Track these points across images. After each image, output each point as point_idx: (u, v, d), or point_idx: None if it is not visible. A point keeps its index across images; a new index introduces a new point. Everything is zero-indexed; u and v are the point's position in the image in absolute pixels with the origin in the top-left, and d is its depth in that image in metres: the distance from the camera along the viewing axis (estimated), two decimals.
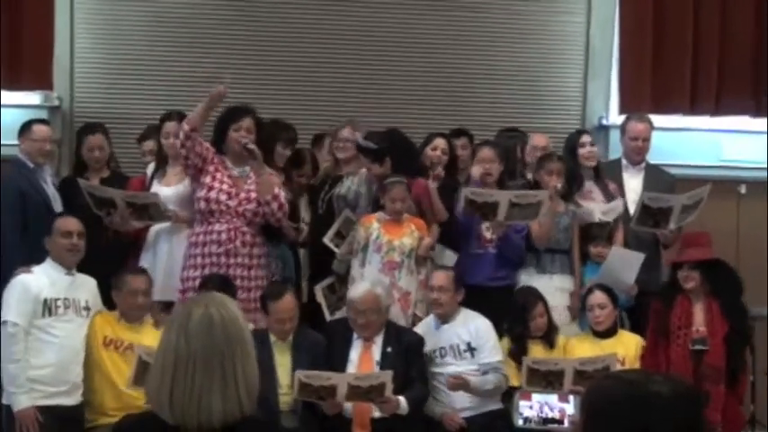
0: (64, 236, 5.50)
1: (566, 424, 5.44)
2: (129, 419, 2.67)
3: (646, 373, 2.05)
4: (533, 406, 5.50)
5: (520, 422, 5.43)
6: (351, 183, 6.39)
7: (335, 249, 6.28)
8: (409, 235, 6.07)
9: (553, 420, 5.49)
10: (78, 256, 5.56)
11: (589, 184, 6.71)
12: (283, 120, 6.85)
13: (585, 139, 6.81)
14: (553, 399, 5.49)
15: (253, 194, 5.92)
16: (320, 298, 6.31)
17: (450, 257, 6.31)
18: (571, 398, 5.44)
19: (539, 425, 5.47)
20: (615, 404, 1.96)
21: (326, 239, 6.30)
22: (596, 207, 6.57)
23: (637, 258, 6.25)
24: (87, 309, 5.54)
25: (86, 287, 5.60)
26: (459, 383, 5.59)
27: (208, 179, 5.91)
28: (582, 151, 6.72)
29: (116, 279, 5.65)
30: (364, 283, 5.80)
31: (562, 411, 5.44)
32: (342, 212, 6.34)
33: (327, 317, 6.23)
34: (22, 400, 5.25)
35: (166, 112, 6.54)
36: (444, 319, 5.87)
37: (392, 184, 6.08)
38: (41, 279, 5.42)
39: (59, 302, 5.42)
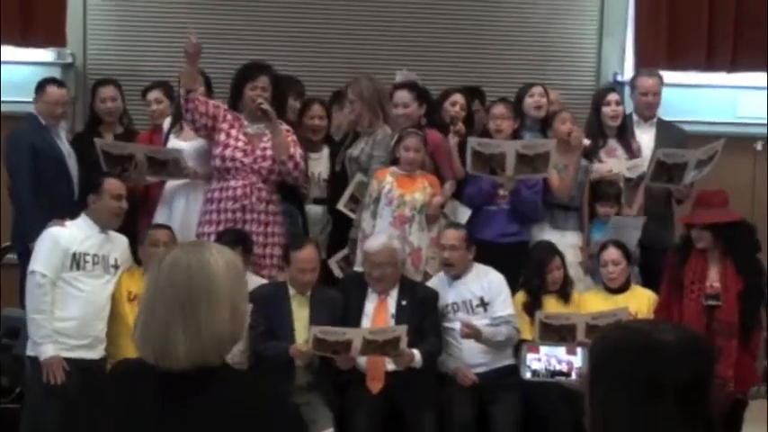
0: (115, 198, 5.57)
1: (573, 376, 5.49)
2: (122, 363, 2.75)
3: (653, 323, 2.04)
4: (541, 359, 5.50)
5: (528, 375, 5.47)
6: (365, 144, 6.37)
7: (350, 215, 6.29)
8: (422, 190, 6.09)
9: (561, 373, 5.51)
10: (120, 220, 5.67)
11: (613, 142, 6.75)
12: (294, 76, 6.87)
13: (612, 97, 6.81)
14: (561, 351, 5.52)
15: (269, 152, 5.98)
16: (337, 271, 6.34)
17: (463, 213, 6.34)
18: (579, 350, 5.48)
19: (546, 377, 5.51)
20: (622, 353, 1.96)
21: (340, 205, 6.32)
22: (621, 164, 6.62)
23: (637, 222, 6.34)
24: (116, 266, 5.62)
25: (118, 245, 5.67)
26: (471, 332, 5.65)
27: (222, 137, 5.97)
28: (606, 109, 6.73)
29: (140, 234, 5.78)
30: (381, 235, 5.85)
31: (570, 364, 5.45)
32: (354, 175, 6.34)
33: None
34: (49, 350, 5.33)
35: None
36: (457, 275, 5.93)
37: (408, 133, 6.11)
38: (74, 233, 5.48)
39: (88, 258, 5.49)
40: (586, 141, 6.41)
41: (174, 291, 2.30)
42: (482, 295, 5.86)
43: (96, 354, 5.51)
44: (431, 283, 5.97)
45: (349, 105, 6.50)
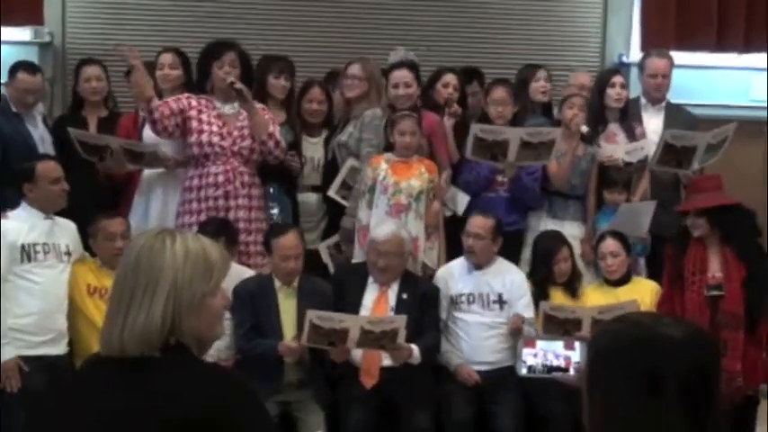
0: (52, 183, 5.49)
1: (571, 372, 5.51)
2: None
3: (655, 316, 2.05)
4: (537, 354, 5.52)
5: (523, 371, 5.48)
6: (353, 128, 6.39)
7: (343, 202, 6.31)
8: (418, 176, 6.08)
9: (558, 369, 5.54)
10: (65, 200, 5.58)
11: (614, 127, 6.77)
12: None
13: (617, 79, 6.82)
14: (558, 346, 5.54)
15: (246, 131, 5.99)
16: (326, 257, 6.36)
17: (462, 200, 6.37)
18: (577, 345, 5.50)
19: (543, 373, 5.52)
20: (623, 348, 1.96)
21: (332, 192, 6.34)
22: (619, 148, 6.63)
23: (648, 207, 6.36)
24: (68, 254, 5.55)
25: (66, 231, 5.61)
26: (519, 327, 5.66)
27: (195, 124, 5.97)
28: (610, 92, 6.74)
29: (90, 227, 5.70)
30: (389, 223, 5.83)
31: (568, 359, 5.48)
32: (344, 162, 6.35)
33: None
34: (4, 352, 5.24)
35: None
36: (478, 265, 5.93)
37: (401, 116, 6.10)
38: (18, 224, 5.41)
39: (38, 248, 5.42)
40: (584, 128, 6.41)
41: (122, 274, 2.35)
42: (501, 292, 5.87)
43: (60, 349, 5.48)
44: (448, 268, 5.99)
45: (350, 83, 6.51)
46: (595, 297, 5.97)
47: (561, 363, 5.52)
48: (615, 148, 6.63)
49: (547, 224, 6.39)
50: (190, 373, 2.31)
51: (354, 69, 6.54)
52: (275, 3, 8.22)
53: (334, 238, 6.38)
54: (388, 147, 6.19)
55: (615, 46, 8.50)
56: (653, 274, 6.31)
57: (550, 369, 5.54)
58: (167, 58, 6.40)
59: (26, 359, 5.31)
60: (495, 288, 5.87)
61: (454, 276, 5.93)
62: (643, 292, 5.95)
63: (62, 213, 5.63)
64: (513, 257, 6.16)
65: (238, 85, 5.87)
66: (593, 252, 6.26)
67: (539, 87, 6.76)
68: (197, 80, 6.19)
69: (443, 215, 6.29)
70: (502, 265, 5.98)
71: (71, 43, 8.06)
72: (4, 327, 5.25)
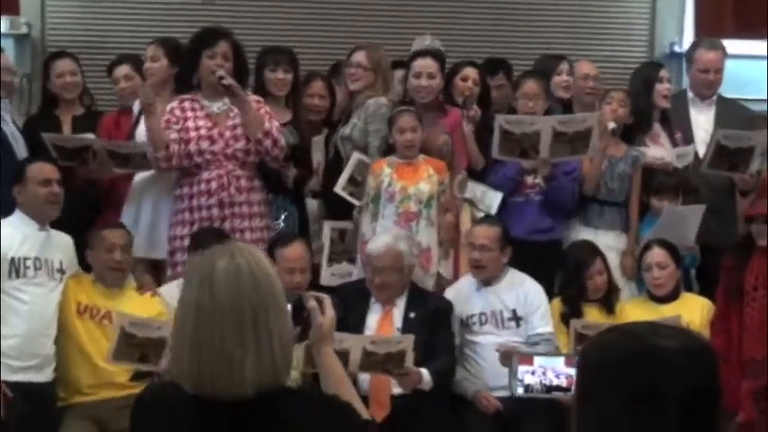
0: (42, 184, 5.50)
1: (573, 392, 5.41)
2: (153, 391, 2.70)
3: (653, 326, 2.03)
4: (536, 371, 5.42)
5: (519, 390, 5.38)
6: (357, 119, 6.35)
7: (351, 200, 6.28)
8: (427, 179, 6.04)
9: (558, 388, 5.44)
10: (58, 207, 5.58)
11: (656, 127, 6.75)
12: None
13: (665, 73, 6.80)
14: (559, 363, 5.42)
15: (239, 131, 5.96)
16: (326, 238, 6.33)
17: (494, 198, 6.34)
18: None
19: (541, 393, 5.45)
20: (615, 361, 1.95)
21: (338, 189, 6.30)
22: (667, 152, 6.60)
23: (695, 212, 6.30)
24: (62, 271, 5.56)
25: (61, 246, 5.61)
26: (510, 353, 5.58)
27: (181, 134, 5.96)
28: (660, 87, 6.70)
29: (89, 236, 5.70)
30: (384, 236, 5.83)
31: (570, 378, 5.33)
32: (349, 157, 6.33)
33: (324, 265, 6.28)
34: None
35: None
36: (487, 281, 5.92)
37: (400, 111, 6.08)
38: (9, 234, 5.42)
39: (29, 262, 5.43)
40: (612, 124, 6.38)
41: (242, 302, 2.31)
42: (515, 308, 5.85)
43: (45, 376, 5.48)
44: (455, 288, 5.98)
45: (354, 72, 6.47)
46: (638, 314, 5.83)
47: (563, 382, 5.43)
48: (660, 152, 6.59)
49: (579, 233, 6.37)
50: (314, 404, 2.44)
51: (359, 57, 6.47)
52: None
53: (345, 224, 6.36)
54: (389, 149, 6.16)
55: (666, 33, 8.50)
56: (705, 290, 6.28)
57: (550, 389, 5.46)
58: (149, 50, 6.42)
59: (8, 385, 5.26)
60: (509, 304, 5.85)
61: (463, 296, 5.92)
62: (692, 310, 5.92)
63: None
64: (549, 272, 6.10)
65: (227, 81, 5.84)
66: (635, 265, 6.21)
67: (561, 82, 6.74)
68: (181, 73, 6.17)
69: (474, 217, 6.28)
70: (514, 277, 5.95)
71: (51, 35, 8.13)
72: None
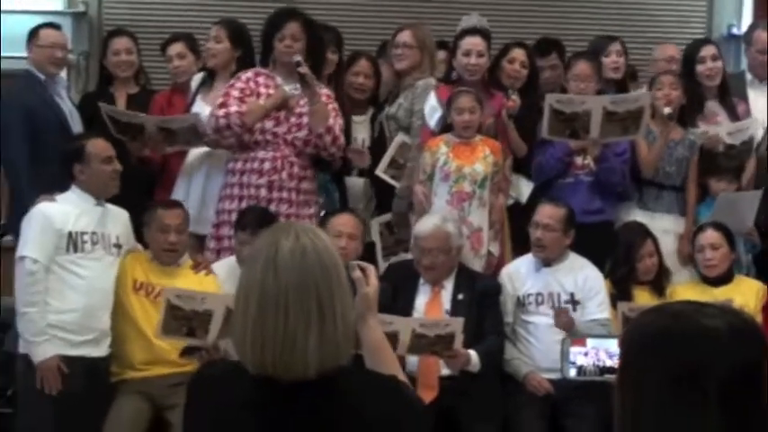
0: (105, 162, 5.48)
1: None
2: (211, 370, 2.69)
3: (696, 305, 1.97)
4: (588, 353, 5.32)
5: (572, 372, 5.28)
6: (403, 99, 6.36)
7: (392, 182, 6.28)
8: (482, 160, 6.04)
9: (612, 370, 5.35)
10: (118, 184, 5.57)
11: (713, 105, 6.68)
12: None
13: (706, 51, 6.71)
14: (612, 344, 5.31)
15: (305, 119, 5.94)
16: (375, 235, 6.34)
17: (525, 187, 6.36)
18: None
19: (594, 375, 5.37)
20: (659, 341, 1.91)
21: (380, 171, 6.31)
22: (720, 129, 6.53)
23: (751, 198, 6.22)
24: (118, 246, 5.55)
25: (118, 221, 5.60)
26: (566, 318, 5.57)
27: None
28: (700, 68, 6.65)
29: (146, 213, 5.70)
30: (432, 217, 5.82)
31: None
32: (393, 136, 6.33)
33: (380, 261, 6.25)
34: (44, 350, 5.22)
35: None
36: (547, 261, 5.89)
37: (459, 92, 6.08)
38: (67, 209, 5.39)
39: (86, 237, 5.39)
40: (667, 110, 6.30)
41: (308, 282, 2.31)
42: (573, 291, 5.81)
43: (102, 350, 5.47)
44: (514, 265, 5.96)
45: (400, 53, 6.47)
46: (689, 296, 5.69)
47: (616, 362, 5.34)
48: (718, 131, 6.51)
49: (636, 217, 6.30)
50: (374, 385, 2.43)
51: (405, 37, 6.48)
52: None
53: (388, 217, 6.36)
54: (447, 127, 6.15)
55: (724, 14, 8.45)
56: (759, 275, 6.20)
57: (603, 370, 5.37)
58: (212, 31, 6.41)
59: (65, 359, 5.28)
60: (567, 287, 5.80)
61: (521, 275, 5.89)
62: (747, 294, 5.87)
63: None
64: (599, 253, 6.02)
65: (303, 69, 5.81)
66: (691, 249, 6.14)
67: (609, 63, 6.66)
68: (261, 54, 6.17)
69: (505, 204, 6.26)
70: (574, 261, 5.90)
71: (108, 13, 8.15)
72: (43, 322, 5.23)
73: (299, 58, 5.83)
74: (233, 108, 5.87)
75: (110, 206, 5.57)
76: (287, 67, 5.98)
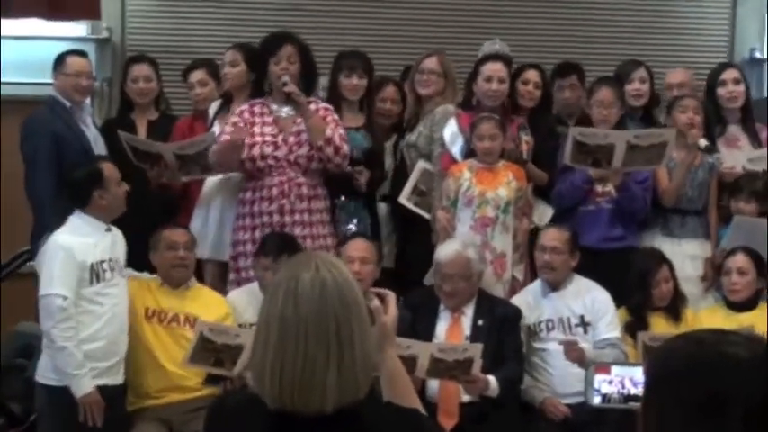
0: (118, 184, 5.43)
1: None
2: (230, 401, 2.64)
3: (721, 333, 1.96)
4: (613, 380, 5.27)
5: (596, 400, 5.24)
6: (422, 127, 6.35)
7: (416, 209, 6.26)
8: (506, 185, 6.05)
9: (636, 398, 5.26)
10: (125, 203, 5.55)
11: (734, 129, 6.61)
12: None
13: (728, 75, 6.65)
14: (637, 372, 5.25)
15: (304, 136, 5.95)
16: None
17: (545, 212, 6.32)
18: None
19: (619, 403, 5.29)
20: (684, 368, 1.88)
21: (403, 199, 6.29)
22: (741, 155, 6.46)
23: (763, 226, 6.10)
24: (124, 267, 5.54)
25: (121, 242, 5.55)
26: (575, 353, 5.49)
27: (246, 139, 5.94)
28: (721, 91, 6.60)
29: (152, 238, 5.69)
30: (453, 242, 5.81)
31: None
32: (414, 164, 6.30)
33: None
34: (86, 384, 5.17)
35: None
36: (554, 285, 5.86)
37: (480, 119, 6.08)
38: (84, 240, 5.32)
39: (105, 265, 5.34)
40: (703, 142, 6.23)
41: (327, 315, 2.28)
42: (582, 314, 5.79)
43: (119, 378, 5.42)
44: (522, 295, 5.94)
45: (426, 79, 6.45)
46: (712, 322, 5.71)
47: (640, 390, 5.27)
48: (736, 156, 6.45)
49: (662, 244, 6.22)
50: (395, 419, 2.40)
51: (431, 63, 6.49)
52: None
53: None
54: (471, 152, 6.14)
55: (746, 38, 8.40)
56: None
57: (628, 398, 5.29)
58: (228, 55, 6.42)
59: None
60: (576, 310, 5.78)
61: (529, 304, 5.86)
62: None
63: (121, 227, 5.58)
64: (620, 279, 5.93)
65: (289, 87, 5.86)
66: (716, 273, 6.08)
67: (631, 90, 6.60)
68: (255, 79, 6.20)
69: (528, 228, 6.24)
70: (580, 283, 5.88)
71: (132, 39, 8.16)
72: (80, 355, 5.15)
73: (285, 78, 5.87)
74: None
75: (113, 228, 5.52)
76: (281, 91, 5.98)
